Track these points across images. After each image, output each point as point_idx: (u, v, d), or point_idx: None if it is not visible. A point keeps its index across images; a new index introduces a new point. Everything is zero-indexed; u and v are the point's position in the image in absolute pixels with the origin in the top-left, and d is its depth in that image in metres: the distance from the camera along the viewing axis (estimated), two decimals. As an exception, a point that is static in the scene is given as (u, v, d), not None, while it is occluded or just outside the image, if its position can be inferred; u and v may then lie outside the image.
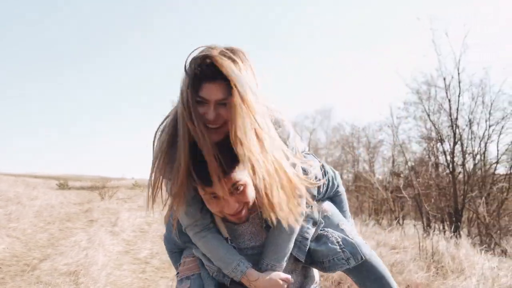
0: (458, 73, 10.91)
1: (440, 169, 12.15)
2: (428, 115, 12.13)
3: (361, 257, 1.61)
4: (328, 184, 1.78)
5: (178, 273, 1.79)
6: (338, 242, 1.64)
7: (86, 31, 67.51)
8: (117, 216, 10.45)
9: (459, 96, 11.10)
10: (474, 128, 11.44)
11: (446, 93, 11.26)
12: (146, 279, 5.27)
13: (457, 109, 11.18)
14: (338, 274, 4.59)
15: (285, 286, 1.59)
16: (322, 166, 1.76)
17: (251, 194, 1.51)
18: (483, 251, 6.10)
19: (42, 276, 4.89)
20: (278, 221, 1.50)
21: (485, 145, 11.42)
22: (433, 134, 12.34)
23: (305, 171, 1.60)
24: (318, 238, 1.68)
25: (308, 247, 1.64)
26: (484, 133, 11.37)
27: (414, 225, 10.94)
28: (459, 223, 10.22)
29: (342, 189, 1.90)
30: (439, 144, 11.95)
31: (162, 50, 62.61)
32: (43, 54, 65.50)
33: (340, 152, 20.17)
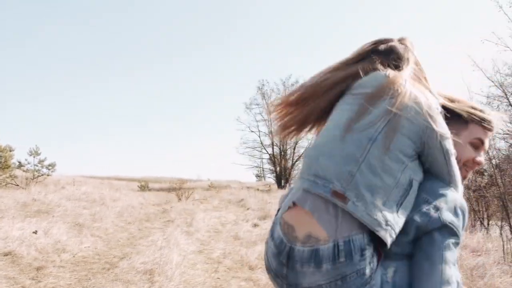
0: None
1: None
2: (514, 110, 11.28)
3: None
4: None
5: None
6: None
7: (164, 32, 70.15)
8: (192, 217, 10.75)
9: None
10: None
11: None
12: (218, 279, 5.34)
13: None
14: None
15: None
16: None
17: None
18: None
19: (121, 274, 5.12)
20: None
21: None
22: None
23: None
24: None
25: None
26: None
27: (501, 227, 10.15)
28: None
29: None
30: (526, 141, 11.07)
31: (239, 54, 64.05)
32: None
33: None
